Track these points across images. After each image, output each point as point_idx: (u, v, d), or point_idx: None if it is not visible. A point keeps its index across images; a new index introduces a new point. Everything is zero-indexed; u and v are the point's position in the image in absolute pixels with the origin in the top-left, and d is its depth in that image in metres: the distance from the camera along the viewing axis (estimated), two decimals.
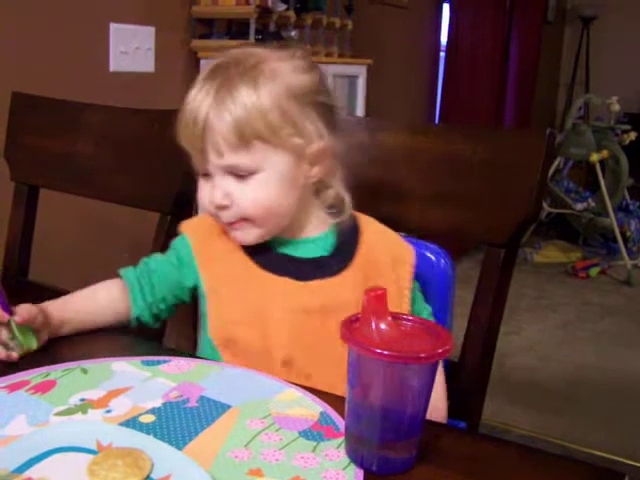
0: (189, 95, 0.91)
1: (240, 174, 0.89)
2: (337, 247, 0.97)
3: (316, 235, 0.98)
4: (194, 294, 1.00)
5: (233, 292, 0.94)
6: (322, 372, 0.90)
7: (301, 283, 0.93)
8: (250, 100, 0.87)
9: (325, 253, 0.96)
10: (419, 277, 1.02)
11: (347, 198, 0.98)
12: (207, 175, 0.93)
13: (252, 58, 0.91)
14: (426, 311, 1.02)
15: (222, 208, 0.91)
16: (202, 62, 2.36)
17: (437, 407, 0.95)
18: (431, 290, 1.07)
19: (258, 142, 0.88)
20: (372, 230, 1.00)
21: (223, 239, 0.96)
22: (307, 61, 0.94)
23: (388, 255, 0.98)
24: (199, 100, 0.89)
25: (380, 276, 0.96)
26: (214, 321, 0.94)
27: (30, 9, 1.89)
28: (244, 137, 0.87)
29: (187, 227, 1.00)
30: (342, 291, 0.94)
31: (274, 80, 0.89)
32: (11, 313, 0.88)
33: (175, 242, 1.01)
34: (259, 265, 0.94)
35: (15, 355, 0.88)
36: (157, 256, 1.01)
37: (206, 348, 0.96)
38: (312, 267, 0.95)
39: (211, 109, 0.88)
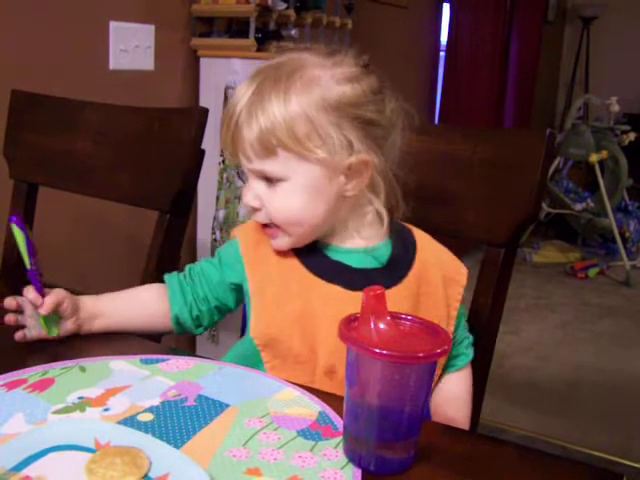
0: (233, 96, 0.92)
1: (270, 179, 0.89)
2: (391, 261, 0.94)
3: (371, 246, 0.94)
4: (239, 300, 0.99)
5: (280, 293, 0.92)
6: None
7: (351, 293, 0.91)
8: (278, 110, 0.86)
9: (378, 265, 0.94)
10: None
11: (385, 217, 0.94)
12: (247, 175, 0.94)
13: (291, 65, 0.89)
14: (467, 340, 1.00)
15: (253, 209, 0.92)
16: (202, 60, 2.36)
17: (453, 419, 0.95)
18: None
19: (283, 151, 0.87)
20: (427, 247, 0.98)
21: None
22: (355, 70, 0.90)
23: (440, 274, 0.96)
24: (233, 104, 0.89)
25: (431, 295, 0.95)
26: (257, 320, 0.92)
27: (30, 7, 1.89)
28: (268, 146, 0.87)
29: (238, 230, 1.00)
30: (392, 306, 0.92)
31: (308, 89, 0.87)
32: (44, 296, 0.90)
33: (220, 251, 1.01)
34: (309, 269, 0.93)
35: (29, 335, 0.91)
36: (203, 259, 1.02)
37: (245, 349, 0.93)
38: (364, 278, 0.91)
39: (241, 115, 0.88)
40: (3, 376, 0.81)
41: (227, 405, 0.77)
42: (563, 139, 4.46)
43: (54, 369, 0.83)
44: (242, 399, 0.78)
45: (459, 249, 1.01)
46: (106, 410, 0.75)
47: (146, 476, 0.63)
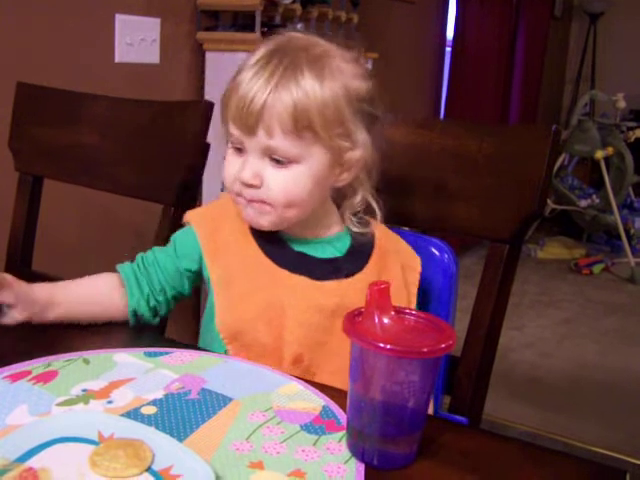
0: (245, 71, 0.89)
1: (278, 159, 0.89)
2: (351, 249, 0.97)
3: (331, 236, 0.98)
4: (195, 287, 1.00)
5: (245, 286, 0.93)
6: (325, 372, 0.91)
7: (316, 283, 0.93)
8: (313, 89, 0.86)
9: (339, 254, 0.96)
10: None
11: (376, 205, 0.98)
12: (240, 150, 0.91)
13: (319, 48, 0.90)
14: None
15: (249, 186, 0.90)
16: (207, 54, 2.36)
17: None
18: (434, 285, 1.07)
19: (309, 133, 0.87)
20: (385, 236, 1.00)
21: (233, 230, 0.96)
22: (366, 69, 0.94)
23: (399, 261, 0.99)
24: (262, 78, 0.87)
25: (391, 280, 0.95)
26: (223, 314, 0.93)
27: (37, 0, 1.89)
28: (299, 124, 0.86)
29: (192, 217, 0.99)
30: (355, 293, 0.93)
31: (337, 77, 0.88)
32: None
33: (177, 234, 1.00)
34: (274, 261, 0.94)
35: None
36: (155, 249, 1.01)
37: (210, 338, 0.95)
38: (327, 267, 0.94)
39: (274, 89, 0.86)
40: (7, 368, 0.81)
41: (230, 399, 0.77)
42: (569, 135, 4.45)
43: (58, 361, 0.84)
44: (246, 393, 0.78)
45: (463, 245, 1.01)
46: (110, 403, 0.75)
47: (149, 468, 0.63)
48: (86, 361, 0.84)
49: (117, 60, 2.13)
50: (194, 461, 0.63)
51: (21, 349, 0.87)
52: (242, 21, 2.45)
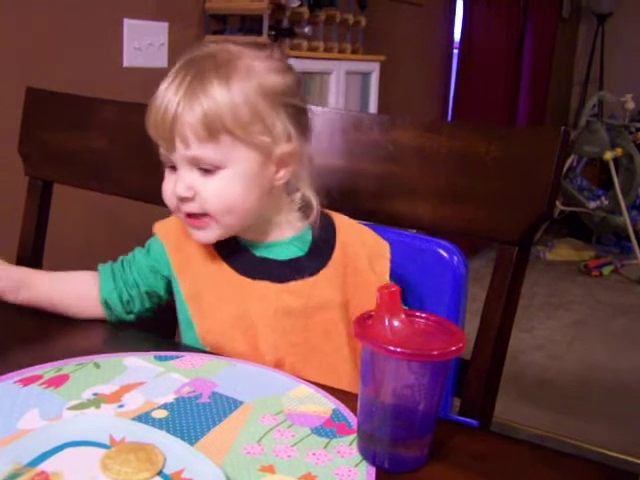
0: (160, 86, 0.90)
1: (205, 168, 0.88)
2: (313, 246, 0.97)
3: (290, 236, 0.97)
4: (170, 291, 1.00)
5: (214, 300, 0.94)
6: (313, 370, 0.90)
7: (281, 285, 0.93)
8: (221, 94, 0.86)
9: (301, 253, 0.96)
10: (428, 273, 1.04)
11: (315, 201, 0.97)
12: (173, 168, 0.92)
13: (226, 54, 0.91)
14: None
15: (184, 200, 0.90)
16: None
17: None
18: (443, 287, 1.07)
19: (226, 136, 0.87)
20: (347, 227, 1.00)
21: (197, 243, 0.96)
22: (283, 63, 0.94)
23: (365, 251, 0.98)
24: (171, 91, 0.88)
25: (358, 273, 0.97)
26: (200, 328, 0.94)
27: (45, 4, 1.90)
28: (212, 130, 0.86)
29: (160, 229, 1.00)
30: (322, 290, 0.94)
31: (247, 77, 0.88)
32: None
33: (151, 241, 1.01)
34: (236, 270, 0.94)
35: None
36: (136, 248, 1.03)
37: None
38: (290, 268, 0.94)
39: (182, 100, 0.87)
40: (19, 372, 0.81)
41: (241, 402, 0.77)
42: (577, 136, 4.44)
43: (69, 365, 0.84)
44: (256, 396, 0.78)
45: (472, 247, 1.01)
46: (121, 407, 0.75)
47: (160, 472, 0.63)
48: (97, 365, 0.84)
49: (125, 65, 2.14)
50: (205, 465, 0.63)
51: (32, 353, 0.87)
52: (250, 25, 2.45)
